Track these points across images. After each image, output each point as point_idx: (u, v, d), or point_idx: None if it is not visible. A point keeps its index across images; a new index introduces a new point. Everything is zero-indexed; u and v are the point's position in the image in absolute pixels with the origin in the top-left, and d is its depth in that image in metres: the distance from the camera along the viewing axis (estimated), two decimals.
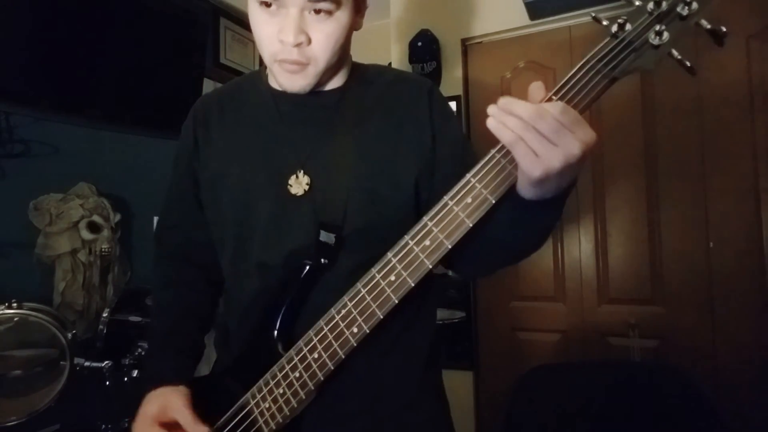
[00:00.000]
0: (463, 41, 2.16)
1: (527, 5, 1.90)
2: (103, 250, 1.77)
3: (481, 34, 2.13)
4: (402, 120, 0.78)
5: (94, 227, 1.76)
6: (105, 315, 1.50)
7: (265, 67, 0.84)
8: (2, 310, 1.25)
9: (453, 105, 2.12)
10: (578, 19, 1.96)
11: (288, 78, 0.72)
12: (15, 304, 1.27)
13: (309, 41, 0.68)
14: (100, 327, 1.48)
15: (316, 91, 0.77)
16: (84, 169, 1.80)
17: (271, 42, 0.69)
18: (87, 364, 1.38)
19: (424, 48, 2.11)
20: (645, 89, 1.86)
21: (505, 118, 0.54)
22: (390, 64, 2.29)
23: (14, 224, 1.62)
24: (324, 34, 0.69)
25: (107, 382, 1.41)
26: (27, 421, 1.25)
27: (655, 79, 1.85)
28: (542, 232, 0.70)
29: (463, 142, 0.82)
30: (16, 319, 1.26)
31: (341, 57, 0.75)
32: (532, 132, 0.53)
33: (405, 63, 2.17)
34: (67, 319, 1.47)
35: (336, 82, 0.80)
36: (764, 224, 1.68)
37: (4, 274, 1.56)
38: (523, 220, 0.65)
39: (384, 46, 2.32)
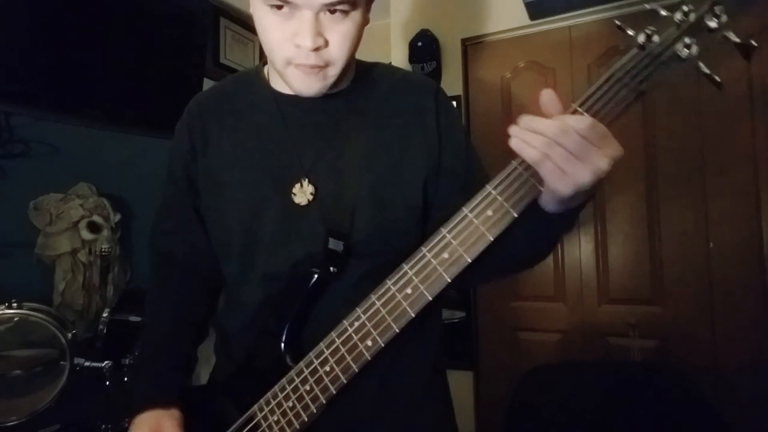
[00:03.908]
0: (463, 41, 2.16)
1: (527, 5, 1.90)
2: (103, 250, 1.77)
3: (481, 34, 2.13)
4: (408, 124, 0.76)
5: (94, 227, 1.76)
6: (105, 315, 1.50)
7: (264, 63, 0.82)
8: (2, 310, 1.25)
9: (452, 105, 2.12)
10: (578, 19, 1.96)
11: (305, 82, 0.68)
12: (15, 304, 1.27)
13: (326, 44, 0.65)
14: (100, 327, 1.48)
15: (319, 96, 0.74)
16: (84, 169, 1.80)
17: (285, 46, 0.65)
18: (87, 364, 1.38)
19: (424, 48, 2.11)
20: None
21: (528, 136, 0.52)
22: (390, 64, 2.29)
23: (14, 224, 1.62)
24: (341, 35, 0.66)
25: (107, 382, 1.40)
26: (27, 421, 1.25)
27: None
28: (555, 242, 0.69)
29: (467, 146, 0.80)
30: (16, 319, 1.26)
31: (352, 61, 0.73)
32: (557, 149, 0.51)
33: (405, 63, 2.17)
34: (67, 319, 1.47)
35: (340, 85, 0.77)
36: (764, 224, 1.67)
37: (4, 274, 1.56)
38: (539, 232, 0.64)
39: (384, 46, 2.32)
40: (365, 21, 0.70)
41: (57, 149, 1.72)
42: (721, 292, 1.72)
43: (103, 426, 1.41)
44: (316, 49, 0.64)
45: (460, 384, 2.05)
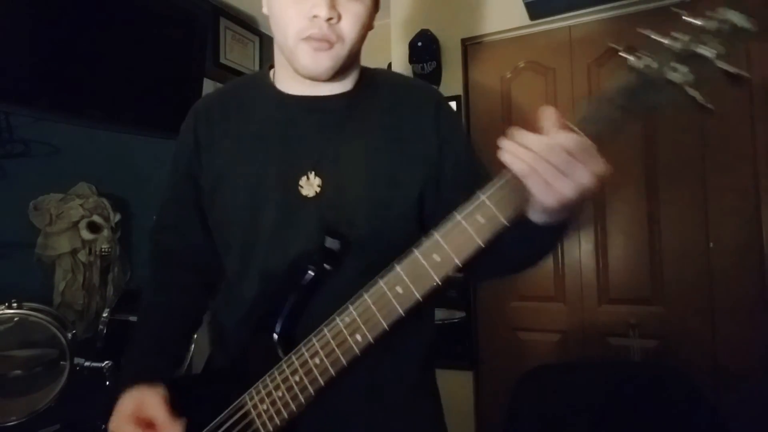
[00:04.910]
0: (463, 41, 2.16)
1: (527, 5, 1.90)
2: (103, 250, 1.77)
3: (481, 34, 2.13)
4: (408, 130, 0.79)
5: (94, 227, 1.76)
6: (105, 315, 1.50)
7: (270, 67, 0.85)
8: (2, 310, 1.25)
9: (453, 105, 2.11)
10: (578, 19, 1.96)
11: (313, 57, 0.72)
12: (15, 304, 1.27)
13: (339, 18, 0.70)
14: (100, 327, 1.48)
15: (324, 96, 0.78)
16: (84, 169, 1.80)
17: (299, 19, 0.70)
18: (87, 364, 1.38)
19: (424, 48, 2.11)
20: None
21: (517, 150, 0.55)
22: (390, 64, 2.29)
23: (14, 224, 1.62)
24: (353, 14, 0.71)
25: (107, 382, 1.41)
26: (27, 421, 1.25)
27: None
28: (543, 253, 0.73)
29: (469, 154, 0.83)
30: (16, 319, 1.26)
31: (358, 51, 0.77)
32: (543, 163, 0.54)
33: (405, 63, 2.17)
34: (67, 319, 1.47)
35: (345, 86, 0.80)
36: (764, 224, 1.68)
37: (4, 274, 1.56)
38: (529, 240, 0.66)
39: (384, 46, 2.32)
40: (375, 10, 0.76)
41: (57, 149, 1.72)
42: (721, 292, 1.72)
43: (103, 426, 1.40)
44: (330, 20, 0.69)
45: (460, 384, 2.05)
